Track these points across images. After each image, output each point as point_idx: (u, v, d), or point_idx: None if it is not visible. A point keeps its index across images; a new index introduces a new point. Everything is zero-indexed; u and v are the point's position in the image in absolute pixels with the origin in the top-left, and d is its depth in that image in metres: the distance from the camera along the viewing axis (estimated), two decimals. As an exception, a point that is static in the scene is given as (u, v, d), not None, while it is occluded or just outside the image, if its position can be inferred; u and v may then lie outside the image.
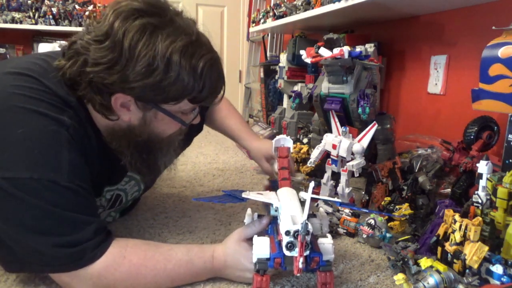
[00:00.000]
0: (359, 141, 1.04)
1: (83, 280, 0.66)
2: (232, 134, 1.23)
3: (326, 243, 0.70)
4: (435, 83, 1.43)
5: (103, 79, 0.66)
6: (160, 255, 0.72)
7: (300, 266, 0.59)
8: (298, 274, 0.63)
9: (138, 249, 0.71)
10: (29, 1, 2.97)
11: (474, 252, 0.67)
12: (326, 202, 1.01)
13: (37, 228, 0.62)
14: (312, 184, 0.67)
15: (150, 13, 0.68)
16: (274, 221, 0.76)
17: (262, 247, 0.67)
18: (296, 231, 0.59)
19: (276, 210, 0.73)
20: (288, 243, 0.60)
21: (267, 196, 0.76)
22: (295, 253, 0.60)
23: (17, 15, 2.91)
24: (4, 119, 0.64)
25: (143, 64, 0.65)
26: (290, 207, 0.69)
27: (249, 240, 0.73)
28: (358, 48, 1.24)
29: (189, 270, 0.73)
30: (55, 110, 0.67)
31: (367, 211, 1.04)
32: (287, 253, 0.61)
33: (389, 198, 1.02)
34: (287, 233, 0.60)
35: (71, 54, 0.70)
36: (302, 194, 0.73)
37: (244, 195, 0.75)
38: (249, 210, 0.81)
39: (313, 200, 1.05)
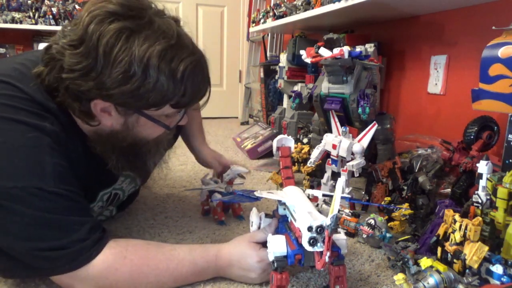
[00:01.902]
0: (359, 141, 1.04)
1: (84, 281, 0.66)
2: (188, 135, 1.20)
3: (341, 238, 0.72)
4: (435, 83, 1.43)
5: (79, 86, 0.64)
6: (162, 255, 0.72)
7: (327, 260, 0.59)
8: (322, 269, 0.64)
9: (139, 249, 0.71)
10: (29, 1, 2.96)
11: (474, 252, 0.67)
12: (326, 202, 1.01)
13: (30, 235, 0.62)
14: (341, 183, 0.68)
15: (126, 16, 0.64)
16: (283, 219, 0.78)
17: (279, 245, 0.68)
18: (319, 227, 0.60)
19: (284, 209, 0.75)
20: (310, 238, 0.60)
21: (280, 195, 0.77)
22: (317, 248, 0.60)
23: (17, 15, 2.90)
24: None
25: (119, 71, 0.63)
26: (304, 205, 0.70)
27: (258, 243, 0.75)
28: (358, 48, 1.24)
29: (192, 269, 0.73)
30: (35, 118, 0.66)
31: (372, 204, 1.07)
32: (309, 248, 0.61)
33: (389, 198, 1.02)
34: (310, 228, 0.60)
35: (47, 60, 0.68)
36: (309, 191, 0.76)
37: (257, 194, 0.76)
38: (255, 210, 0.82)
39: (312, 199, 1.04)
